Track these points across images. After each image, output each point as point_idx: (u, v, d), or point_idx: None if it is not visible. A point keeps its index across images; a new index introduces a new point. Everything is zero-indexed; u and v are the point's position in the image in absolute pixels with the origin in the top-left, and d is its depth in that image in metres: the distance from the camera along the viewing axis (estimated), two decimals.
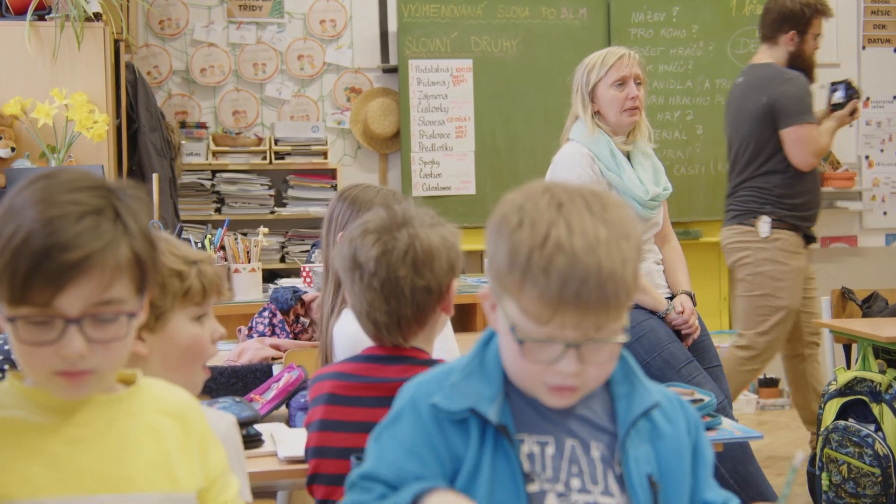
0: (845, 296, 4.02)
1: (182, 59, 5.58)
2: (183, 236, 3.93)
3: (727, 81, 5.80)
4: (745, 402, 5.65)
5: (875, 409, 3.47)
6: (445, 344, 2.26)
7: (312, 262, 4.04)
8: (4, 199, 1.27)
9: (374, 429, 1.39)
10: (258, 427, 2.19)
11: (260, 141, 5.48)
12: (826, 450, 3.53)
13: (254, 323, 3.16)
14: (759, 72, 4.36)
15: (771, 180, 4.27)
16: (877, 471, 3.37)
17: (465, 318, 3.82)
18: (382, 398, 1.63)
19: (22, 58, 4.26)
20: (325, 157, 5.50)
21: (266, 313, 3.15)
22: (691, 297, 3.33)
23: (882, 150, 6.28)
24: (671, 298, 3.32)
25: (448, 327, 2.27)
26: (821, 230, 4.83)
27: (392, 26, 5.67)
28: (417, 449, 1.33)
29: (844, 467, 3.46)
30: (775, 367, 4.97)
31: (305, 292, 3.24)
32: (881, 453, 3.37)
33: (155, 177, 4.14)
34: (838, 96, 4.44)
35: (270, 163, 5.42)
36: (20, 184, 1.28)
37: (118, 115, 4.52)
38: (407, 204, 1.89)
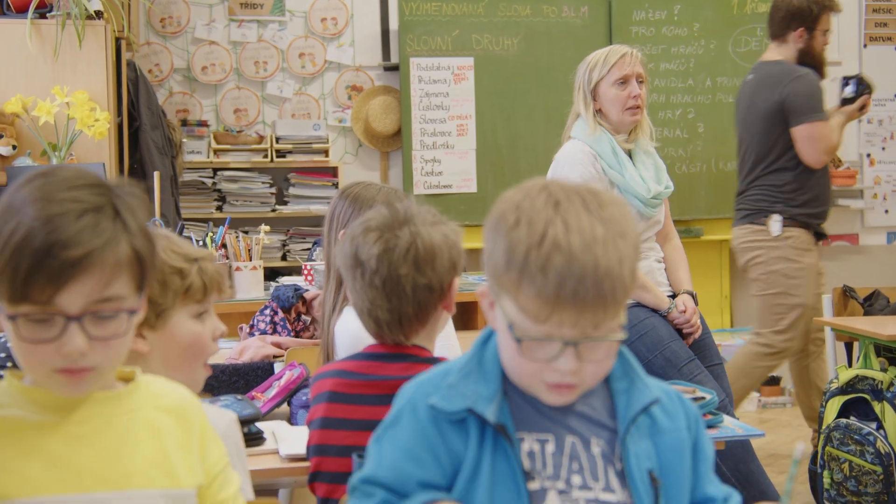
0: (847, 294, 4.02)
1: (183, 57, 5.58)
2: (184, 234, 3.93)
3: (728, 79, 5.80)
4: (747, 400, 5.65)
5: (876, 407, 3.47)
6: (447, 342, 2.26)
7: (314, 260, 4.04)
8: (2, 198, 1.27)
9: (375, 430, 1.39)
10: (260, 425, 2.19)
11: (261, 139, 5.48)
12: (827, 448, 3.53)
13: (255, 321, 3.16)
14: (770, 69, 4.35)
15: (781, 178, 4.27)
16: (878, 469, 3.37)
17: (467, 316, 3.81)
18: (384, 396, 1.63)
19: (23, 56, 4.26)
20: (327, 156, 5.50)
21: (267, 311, 3.15)
22: (693, 296, 3.33)
23: (883, 149, 6.28)
24: (673, 297, 3.32)
25: (450, 325, 2.27)
26: None
27: (393, 24, 5.66)
28: (417, 451, 1.34)
29: (846, 465, 3.45)
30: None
31: (307, 290, 3.24)
32: (883, 451, 3.37)
33: (156, 175, 4.14)
34: (849, 91, 4.43)
35: (272, 161, 5.42)
36: (17, 182, 1.28)
37: (119, 114, 4.52)
38: (409, 202, 1.89)
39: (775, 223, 4.25)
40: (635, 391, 1.39)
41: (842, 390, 3.58)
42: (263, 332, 3.10)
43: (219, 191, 5.41)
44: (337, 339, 2.34)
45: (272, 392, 2.42)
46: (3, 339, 1.97)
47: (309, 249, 5.17)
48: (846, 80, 4.48)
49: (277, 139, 5.45)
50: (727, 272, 5.95)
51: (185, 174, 5.30)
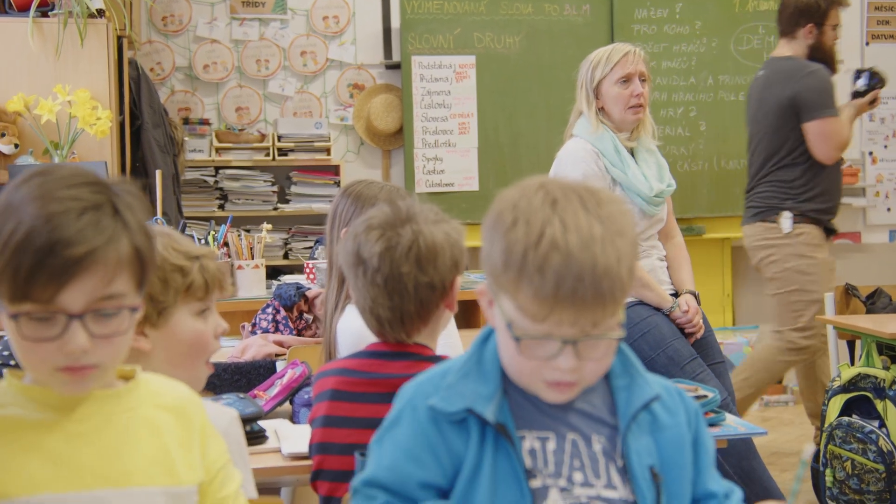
0: (849, 292, 4.01)
1: (185, 56, 5.58)
2: (186, 233, 3.93)
3: (730, 78, 5.80)
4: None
5: (879, 405, 3.47)
6: (449, 340, 2.26)
7: (316, 259, 4.04)
8: (0, 197, 1.27)
9: (376, 431, 1.40)
10: (262, 423, 2.19)
11: (263, 137, 5.48)
12: (830, 446, 3.52)
13: (257, 319, 3.16)
14: (781, 65, 4.34)
15: (791, 173, 4.26)
16: (881, 467, 3.37)
17: (469, 315, 3.81)
18: (386, 394, 1.63)
19: (25, 54, 4.26)
20: (329, 154, 5.49)
21: (269, 310, 3.15)
22: (695, 296, 3.33)
23: (886, 147, 6.27)
24: (675, 296, 3.32)
25: (452, 324, 2.27)
26: None
27: (395, 22, 5.66)
28: (417, 451, 1.34)
29: (848, 463, 3.45)
30: None
31: (309, 289, 3.24)
32: (885, 449, 3.37)
33: (158, 173, 4.14)
34: (860, 84, 4.42)
35: (273, 159, 5.42)
36: (15, 181, 1.28)
37: (121, 112, 4.52)
38: (411, 200, 1.89)
39: (786, 220, 4.24)
40: (636, 388, 1.39)
41: (844, 388, 3.58)
42: (265, 331, 3.10)
43: (221, 189, 5.41)
44: (339, 337, 2.34)
45: (274, 390, 2.42)
46: (6, 338, 1.98)
47: (311, 248, 5.16)
48: (858, 73, 4.46)
49: (279, 137, 5.45)
50: (729, 270, 5.94)
51: (187, 172, 5.30)
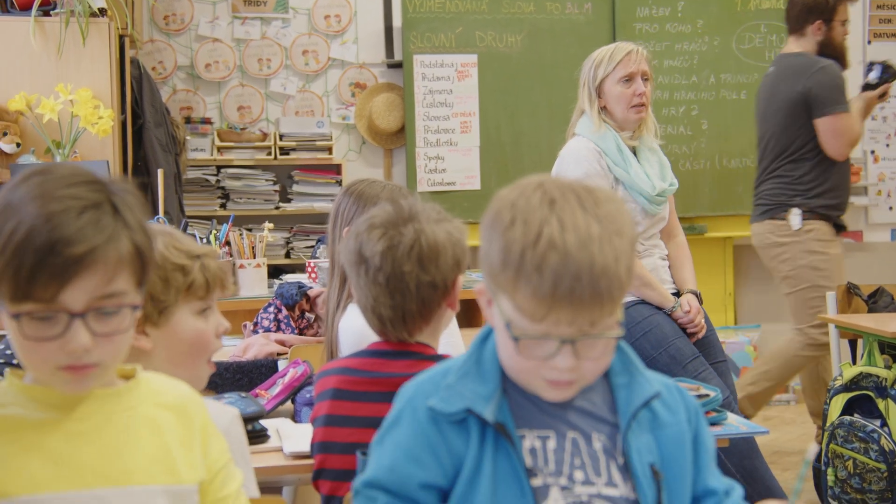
0: (851, 291, 4.01)
1: (187, 55, 5.58)
2: (188, 232, 3.93)
3: (732, 76, 5.79)
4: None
5: (881, 404, 3.46)
6: (451, 339, 2.26)
7: (317, 258, 4.04)
8: None
9: (377, 432, 1.40)
10: (264, 422, 2.19)
11: (265, 136, 5.48)
12: (832, 445, 3.52)
13: (259, 318, 3.16)
14: (791, 61, 4.34)
15: (800, 169, 4.25)
16: (882, 466, 3.37)
17: (471, 314, 3.81)
18: (388, 393, 1.63)
19: (27, 53, 4.26)
20: (330, 153, 5.49)
21: (271, 309, 3.15)
22: (697, 295, 3.33)
23: (888, 145, 6.27)
24: (677, 295, 3.31)
25: (453, 323, 2.27)
26: None
27: (397, 21, 5.66)
28: (417, 452, 1.34)
29: (850, 463, 3.45)
30: None
31: (310, 288, 3.24)
32: (887, 449, 3.37)
33: (160, 172, 4.14)
34: (872, 77, 4.40)
35: (275, 158, 5.42)
36: (13, 181, 1.28)
37: (123, 111, 4.52)
38: (413, 199, 1.89)
39: (795, 217, 4.23)
40: (636, 385, 1.39)
41: (846, 387, 3.57)
42: (267, 330, 3.10)
43: (222, 188, 5.41)
44: (341, 336, 2.34)
45: (276, 389, 2.42)
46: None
47: (312, 247, 5.17)
48: (870, 66, 4.45)
49: (281, 136, 5.45)
50: (731, 269, 5.94)
51: (189, 171, 5.30)
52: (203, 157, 5.40)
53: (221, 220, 4.27)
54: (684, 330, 3.25)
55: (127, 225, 1.27)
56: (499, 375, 1.37)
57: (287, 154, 5.44)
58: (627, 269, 1.27)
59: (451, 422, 1.34)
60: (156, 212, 4.12)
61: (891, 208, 6.26)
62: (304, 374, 2.42)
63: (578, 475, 1.34)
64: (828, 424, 3.58)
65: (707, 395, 2.31)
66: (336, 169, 5.51)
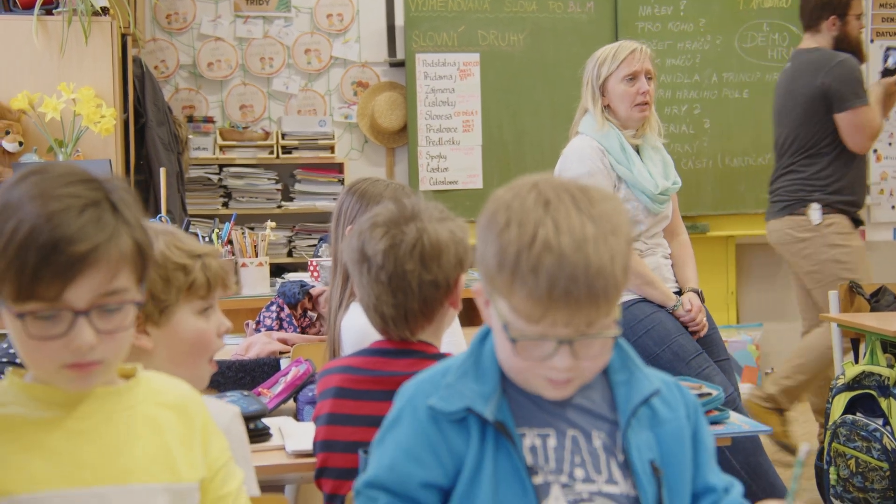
0: (853, 290, 4.00)
1: (189, 54, 5.58)
2: (190, 231, 3.93)
3: (734, 75, 5.79)
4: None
5: (883, 403, 3.46)
6: (453, 338, 2.26)
7: (320, 257, 4.04)
8: None
9: (377, 432, 1.40)
10: (266, 421, 2.19)
11: (267, 135, 5.48)
12: (834, 444, 3.52)
13: (261, 317, 3.16)
14: (808, 56, 4.33)
15: (818, 163, 4.25)
16: (885, 465, 3.36)
17: (473, 313, 3.80)
18: (390, 392, 1.63)
19: (29, 52, 4.27)
20: (332, 152, 5.49)
21: (273, 307, 3.16)
22: (699, 294, 3.32)
23: (890, 144, 6.26)
24: (679, 294, 3.31)
25: (456, 322, 2.27)
26: None
27: (399, 20, 5.66)
28: (418, 452, 1.34)
29: (852, 461, 3.45)
30: (782, 361, 4.96)
31: (313, 286, 3.24)
32: (889, 447, 3.36)
33: (162, 171, 4.15)
34: (892, 62, 4.40)
35: (277, 157, 5.42)
36: (11, 180, 1.29)
37: (125, 110, 4.52)
38: (416, 198, 1.89)
39: (815, 211, 4.22)
40: (635, 383, 1.40)
41: (848, 386, 3.57)
42: (269, 329, 3.11)
43: (225, 187, 5.41)
44: (343, 334, 2.34)
45: (278, 388, 2.42)
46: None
47: (315, 245, 5.16)
48: (888, 51, 4.45)
49: (283, 135, 5.45)
50: (733, 268, 5.94)
51: (191, 170, 5.30)
52: (205, 155, 5.40)
53: (224, 218, 4.27)
54: (686, 328, 3.25)
55: (126, 222, 1.28)
56: (498, 374, 1.37)
57: (289, 153, 5.44)
58: (623, 269, 1.27)
59: (452, 421, 1.34)
60: (158, 211, 4.13)
61: (893, 207, 6.25)
62: (307, 372, 2.42)
63: (579, 473, 1.34)
64: (830, 423, 3.58)
65: (709, 394, 2.30)
66: (338, 168, 5.51)
